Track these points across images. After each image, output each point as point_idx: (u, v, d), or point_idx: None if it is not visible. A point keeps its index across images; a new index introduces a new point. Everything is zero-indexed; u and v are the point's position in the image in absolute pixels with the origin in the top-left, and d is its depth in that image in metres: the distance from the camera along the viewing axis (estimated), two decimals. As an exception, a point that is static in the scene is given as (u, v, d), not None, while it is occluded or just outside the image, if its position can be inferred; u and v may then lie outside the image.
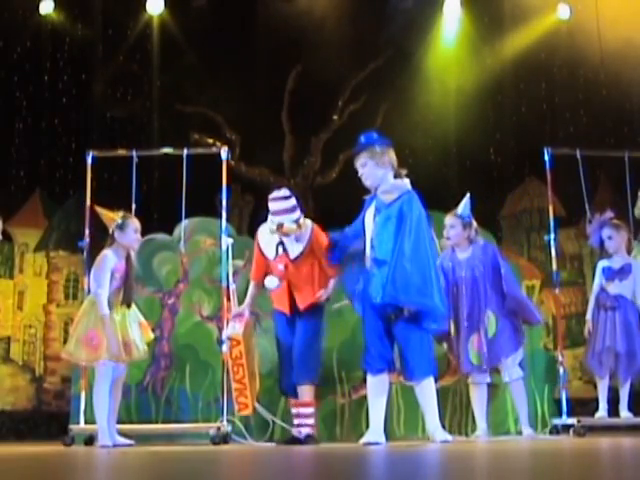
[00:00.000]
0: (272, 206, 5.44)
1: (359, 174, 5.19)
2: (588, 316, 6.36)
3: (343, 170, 10.13)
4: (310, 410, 5.47)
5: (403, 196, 5.03)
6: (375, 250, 4.98)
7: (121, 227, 5.52)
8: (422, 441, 5.69)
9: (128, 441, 5.55)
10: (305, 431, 5.43)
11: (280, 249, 5.49)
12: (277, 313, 5.64)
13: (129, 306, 5.51)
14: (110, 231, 5.54)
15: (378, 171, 5.10)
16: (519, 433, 5.98)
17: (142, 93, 10.01)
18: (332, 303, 5.72)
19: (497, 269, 5.88)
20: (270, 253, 5.53)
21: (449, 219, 5.97)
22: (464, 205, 5.97)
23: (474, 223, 6.01)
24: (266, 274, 5.52)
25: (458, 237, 5.96)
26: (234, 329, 5.46)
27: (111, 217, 5.57)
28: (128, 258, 5.55)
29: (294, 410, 5.53)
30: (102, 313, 5.33)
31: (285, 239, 5.49)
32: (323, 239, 5.46)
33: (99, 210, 5.73)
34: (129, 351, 5.43)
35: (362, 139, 5.22)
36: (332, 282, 5.50)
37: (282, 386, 5.60)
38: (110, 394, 5.46)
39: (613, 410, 6.24)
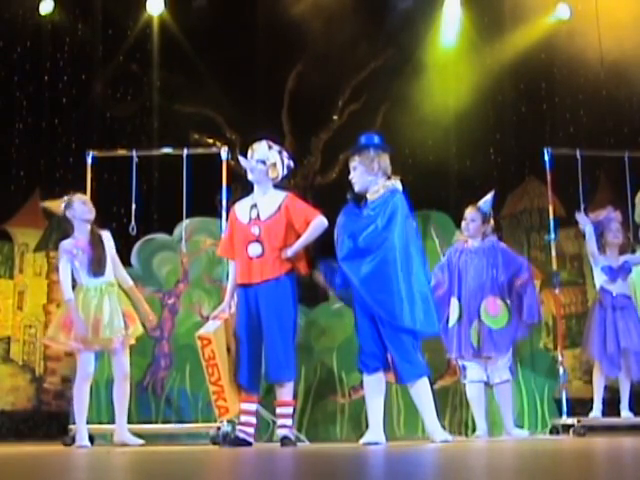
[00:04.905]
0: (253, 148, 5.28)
1: (350, 176, 5.15)
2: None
3: (343, 170, 10.07)
4: (290, 410, 5.21)
5: (386, 193, 5.00)
6: (358, 242, 4.88)
7: (68, 206, 5.51)
8: (422, 441, 5.69)
9: (139, 441, 5.56)
10: (283, 432, 5.14)
11: (254, 212, 5.21)
12: (241, 289, 5.23)
13: (102, 274, 5.47)
14: (62, 215, 5.53)
15: (367, 177, 5.06)
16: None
17: (142, 93, 10.00)
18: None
19: (508, 264, 5.92)
20: (244, 217, 5.23)
21: (470, 212, 5.99)
22: (487, 200, 6.00)
23: (492, 220, 6.06)
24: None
25: (476, 230, 5.99)
26: (206, 328, 5.15)
27: (57, 204, 5.58)
28: (92, 231, 5.52)
29: (254, 406, 5.21)
30: (65, 299, 5.38)
31: (258, 199, 5.24)
32: (299, 207, 5.22)
33: (44, 204, 5.75)
34: (96, 331, 5.34)
35: (361, 140, 5.16)
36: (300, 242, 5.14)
37: (244, 382, 5.13)
38: (116, 393, 5.50)
39: (614, 410, 6.24)
